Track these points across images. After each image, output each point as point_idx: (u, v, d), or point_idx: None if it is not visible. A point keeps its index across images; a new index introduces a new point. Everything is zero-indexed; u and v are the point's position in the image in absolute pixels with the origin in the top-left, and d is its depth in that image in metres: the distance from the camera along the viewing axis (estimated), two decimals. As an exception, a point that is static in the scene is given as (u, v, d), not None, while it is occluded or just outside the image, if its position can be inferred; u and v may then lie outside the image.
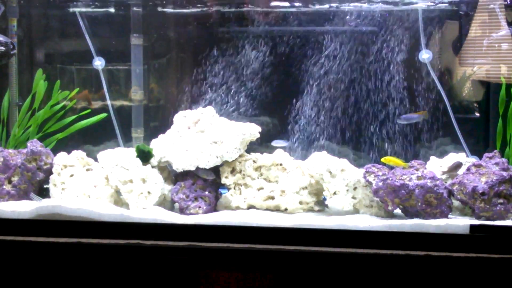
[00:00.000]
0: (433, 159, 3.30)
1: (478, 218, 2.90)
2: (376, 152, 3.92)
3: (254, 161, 3.23)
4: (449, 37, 3.94)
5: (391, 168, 3.06)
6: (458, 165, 3.09)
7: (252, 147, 3.34)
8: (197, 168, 3.15)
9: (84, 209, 2.97)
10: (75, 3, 4.10)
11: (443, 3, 3.87)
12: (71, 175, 3.30)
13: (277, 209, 3.17)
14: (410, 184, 2.90)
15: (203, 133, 3.28)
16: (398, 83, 3.92)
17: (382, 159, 3.11)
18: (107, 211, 3.00)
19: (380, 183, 2.92)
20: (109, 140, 4.08)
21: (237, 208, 3.19)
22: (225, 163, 3.20)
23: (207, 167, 3.15)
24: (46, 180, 3.32)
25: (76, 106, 4.06)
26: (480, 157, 3.16)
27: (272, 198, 3.18)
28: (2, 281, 2.92)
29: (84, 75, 4.23)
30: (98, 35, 4.15)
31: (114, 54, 4.19)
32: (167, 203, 3.22)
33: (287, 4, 4.02)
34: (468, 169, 3.03)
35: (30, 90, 3.89)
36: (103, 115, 3.93)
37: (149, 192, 3.14)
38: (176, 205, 3.17)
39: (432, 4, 3.87)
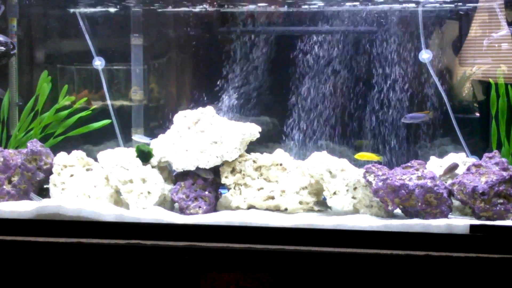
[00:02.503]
0: (433, 159, 3.29)
1: (478, 218, 2.89)
2: (374, 151, 3.92)
3: (254, 161, 3.23)
4: (449, 37, 3.94)
5: (390, 168, 3.06)
6: (453, 167, 3.09)
7: (251, 147, 3.34)
8: (197, 168, 3.15)
9: (84, 209, 2.97)
10: (75, 3, 4.10)
11: (443, 3, 3.87)
12: (71, 175, 3.30)
13: (277, 209, 3.17)
14: (410, 184, 2.89)
15: (203, 133, 3.28)
16: (398, 83, 3.92)
17: (356, 156, 3.11)
18: (107, 211, 3.00)
19: (380, 183, 2.92)
20: (109, 140, 4.08)
21: (237, 208, 3.18)
22: (225, 163, 3.20)
23: (207, 167, 3.15)
24: (46, 180, 3.32)
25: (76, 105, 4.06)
26: (480, 157, 3.15)
27: (272, 198, 3.18)
28: (2, 281, 2.92)
29: (84, 75, 4.23)
30: (98, 35, 4.15)
31: (114, 54, 4.19)
32: (167, 203, 3.22)
33: (288, 4, 4.02)
34: (468, 169, 3.02)
35: (30, 90, 3.89)
36: (107, 121, 3.93)
37: (149, 192, 3.13)
38: (176, 205, 3.16)
39: (433, 4, 3.87)
